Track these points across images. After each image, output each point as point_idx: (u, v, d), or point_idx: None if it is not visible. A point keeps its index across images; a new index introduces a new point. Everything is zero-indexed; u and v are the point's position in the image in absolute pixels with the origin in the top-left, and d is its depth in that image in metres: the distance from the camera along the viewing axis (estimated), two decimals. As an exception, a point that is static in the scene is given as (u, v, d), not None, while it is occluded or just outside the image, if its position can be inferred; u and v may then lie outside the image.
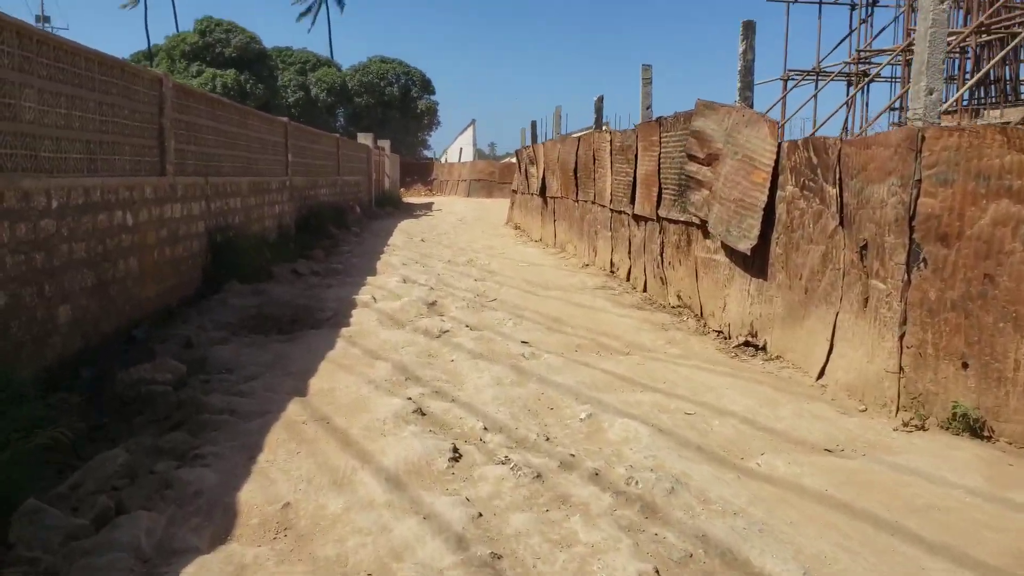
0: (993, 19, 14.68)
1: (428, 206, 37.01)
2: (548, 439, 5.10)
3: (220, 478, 4.38)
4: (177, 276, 9.89)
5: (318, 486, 4.30)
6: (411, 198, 45.20)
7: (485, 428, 5.30)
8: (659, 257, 10.08)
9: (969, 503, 4.19)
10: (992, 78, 15.85)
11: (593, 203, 13.88)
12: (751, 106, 8.14)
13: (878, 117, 15.15)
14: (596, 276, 12.75)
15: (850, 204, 5.93)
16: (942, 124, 5.45)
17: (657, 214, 9.98)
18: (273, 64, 63.70)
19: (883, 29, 17.16)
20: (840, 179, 6.03)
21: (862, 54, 16.54)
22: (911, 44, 14.91)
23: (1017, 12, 14.76)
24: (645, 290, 10.92)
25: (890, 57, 15.55)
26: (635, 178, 11.06)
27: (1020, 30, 14.12)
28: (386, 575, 3.40)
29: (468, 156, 62.19)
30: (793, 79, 17.95)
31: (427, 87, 69.30)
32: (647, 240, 10.69)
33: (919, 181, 5.22)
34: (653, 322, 9.05)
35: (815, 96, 17.16)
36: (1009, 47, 13.97)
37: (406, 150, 63.18)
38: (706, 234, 8.49)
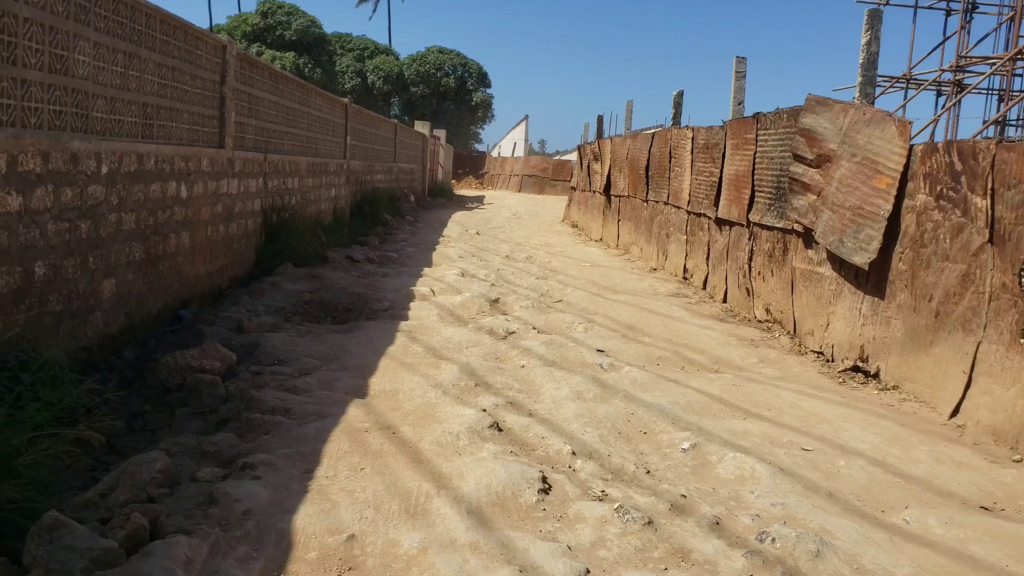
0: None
1: (480, 199, 36.40)
2: (649, 472, 4.38)
3: (272, 495, 3.73)
4: (229, 255, 9.33)
5: (388, 514, 3.62)
6: (462, 190, 44.64)
7: (573, 453, 4.59)
8: (746, 266, 9.29)
9: None
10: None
11: (666, 204, 13.10)
12: (872, 103, 7.33)
13: (983, 129, 14.08)
14: (667, 282, 11.98)
15: (1005, 219, 5.12)
16: None
17: (747, 219, 9.20)
18: (332, 49, 63.60)
19: (984, 37, 16.11)
20: (992, 189, 5.22)
21: (962, 61, 15.41)
22: (1021, 52, 13.91)
23: None
24: (725, 300, 10.14)
25: (995, 66, 14.46)
26: (721, 179, 10.27)
27: None
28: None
29: (519, 152, 61.54)
30: (880, 86, 16.93)
31: (483, 80, 68.73)
32: (731, 246, 9.91)
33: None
34: (739, 337, 8.28)
35: (903, 106, 16.23)
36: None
37: (459, 142, 62.71)
38: (808, 244, 7.69)
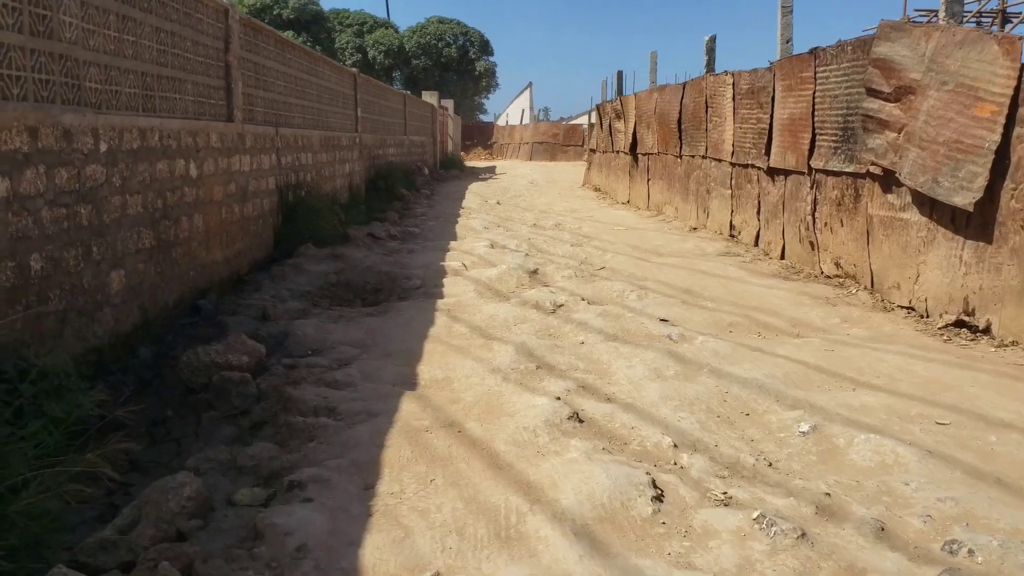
0: None
1: (491, 169, 35.55)
2: (771, 464, 3.67)
3: (330, 522, 3.04)
4: (247, 238, 8.62)
5: (476, 542, 2.92)
6: (472, 161, 43.72)
7: (675, 445, 3.88)
8: (809, 217, 8.52)
9: None
10: None
11: (704, 158, 12.30)
12: (960, 23, 6.52)
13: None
14: (713, 241, 11.21)
15: None
16: None
17: (808, 165, 8.41)
18: (331, 26, 62.54)
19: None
20: None
21: None
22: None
23: None
24: (783, 257, 9.37)
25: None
26: (771, 125, 9.47)
27: None
28: None
29: (527, 119, 60.49)
30: (916, 22, 15.90)
31: (485, 48, 67.59)
32: (788, 198, 9.13)
33: None
34: (811, 295, 7.53)
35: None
36: None
37: (464, 113, 61.72)
38: (888, 188, 6.92)
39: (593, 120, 43.30)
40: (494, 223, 13.96)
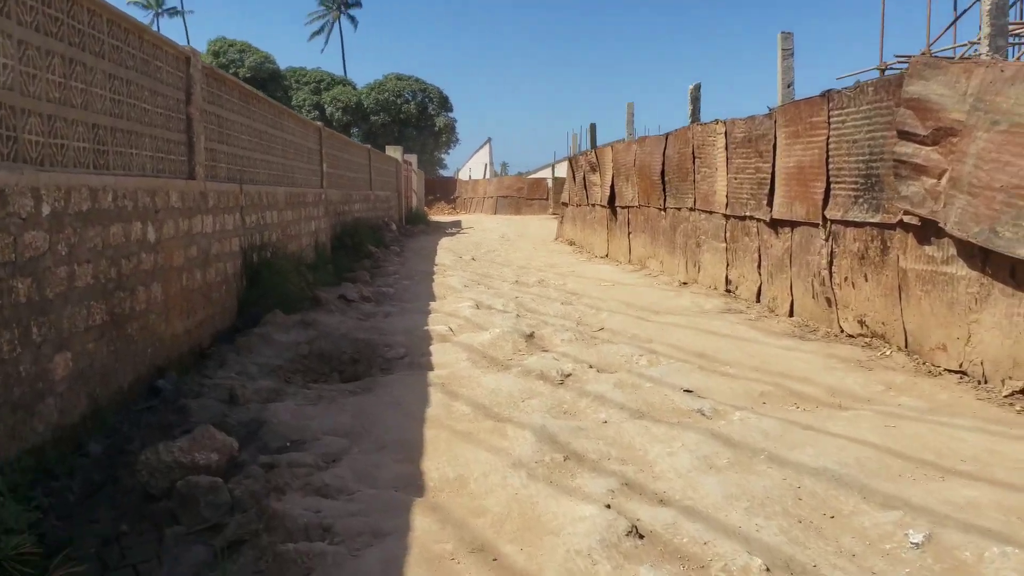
0: None
1: (457, 224, 34.90)
2: (897, 593, 2.92)
3: None
4: (209, 306, 7.78)
5: None
6: (436, 216, 43.09)
7: (767, 569, 3.11)
8: (824, 272, 7.89)
9: None
10: None
11: (693, 210, 11.71)
12: (1006, 58, 6.00)
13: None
14: (708, 297, 10.56)
15: None
16: None
17: (823, 216, 7.80)
18: (287, 84, 62.20)
19: (1016, 2, 14.94)
20: None
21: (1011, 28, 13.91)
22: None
23: None
24: (791, 314, 8.73)
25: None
26: (773, 174, 8.90)
27: None
28: None
29: (485, 174, 60.33)
30: (894, 69, 15.68)
31: (444, 104, 67.74)
32: (797, 251, 8.51)
33: None
34: (839, 357, 6.86)
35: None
36: None
37: (424, 168, 61.42)
38: (926, 239, 6.31)
39: (557, 174, 43.09)
40: (473, 281, 13.22)
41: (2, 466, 4.01)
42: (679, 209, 12.30)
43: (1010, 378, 5.41)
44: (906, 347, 6.70)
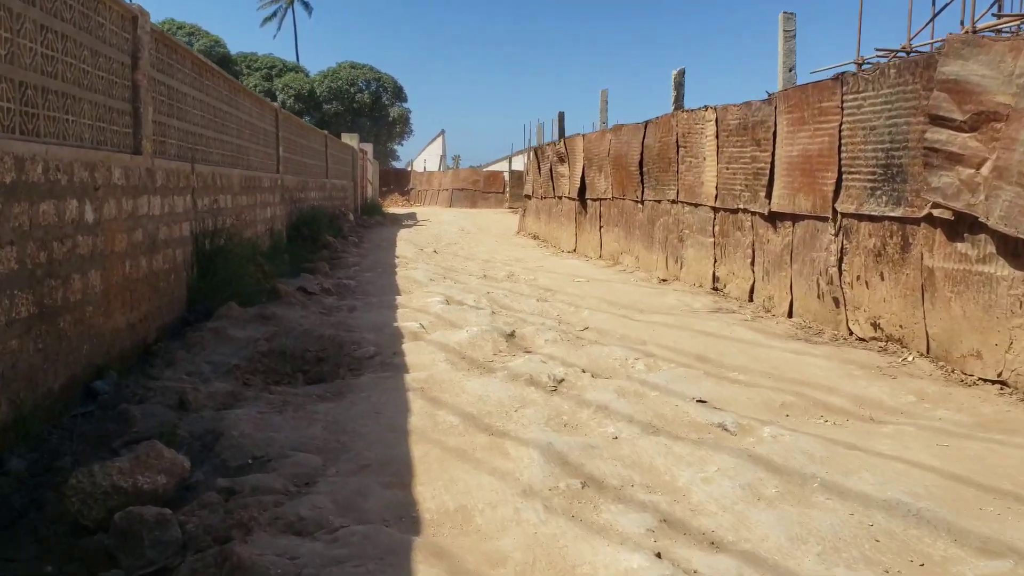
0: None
1: (412, 216, 34.02)
2: None
3: None
4: (156, 297, 6.97)
5: None
6: (391, 208, 42.07)
7: (875, 640, 2.47)
8: (833, 269, 7.32)
9: None
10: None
11: (675, 203, 11.11)
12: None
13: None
14: (694, 295, 9.96)
15: None
16: None
17: (833, 209, 7.23)
18: (238, 69, 60.61)
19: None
20: None
21: (993, 24, 13.66)
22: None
23: None
24: (791, 314, 8.17)
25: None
26: (772, 164, 8.32)
27: None
28: None
29: (436, 166, 59.54)
30: (871, 64, 15.22)
31: (399, 94, 66.76)
32: (799, 246, 7.94)
33: None
34: (856, 363, 6.29)
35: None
36: None
37: (378, 159, 60.44)
38: (957, 235, 5.75)
39: (514, 166, 42.37)
40: (439, 274, 12.48)
41: None
42: (659, 202, 11.70)
43: (1062, 391, 4.87)
44: (928, 352, 6.16)
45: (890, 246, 6.49)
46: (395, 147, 71.03)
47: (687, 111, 10.62)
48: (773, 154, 8.30)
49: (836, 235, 7.23)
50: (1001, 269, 5.35)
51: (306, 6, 77.32)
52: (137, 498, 3.57)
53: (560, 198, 17.21)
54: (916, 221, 6.17)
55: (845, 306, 7.18)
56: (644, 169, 12.16)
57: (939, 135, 5.72)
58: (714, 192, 9.74)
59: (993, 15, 13.61)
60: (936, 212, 5.84)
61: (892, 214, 6.40)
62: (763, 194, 8.54)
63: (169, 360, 6.40)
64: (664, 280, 11.39)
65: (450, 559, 2.95)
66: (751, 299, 9.04)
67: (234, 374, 6.18)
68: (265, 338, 7.33)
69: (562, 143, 16.67)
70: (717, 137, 9.59)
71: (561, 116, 17.74)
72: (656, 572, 2.75)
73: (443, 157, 63.23)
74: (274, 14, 76.58)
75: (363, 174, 31.46)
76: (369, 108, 63.27)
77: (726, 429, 4.77)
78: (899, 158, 6.31)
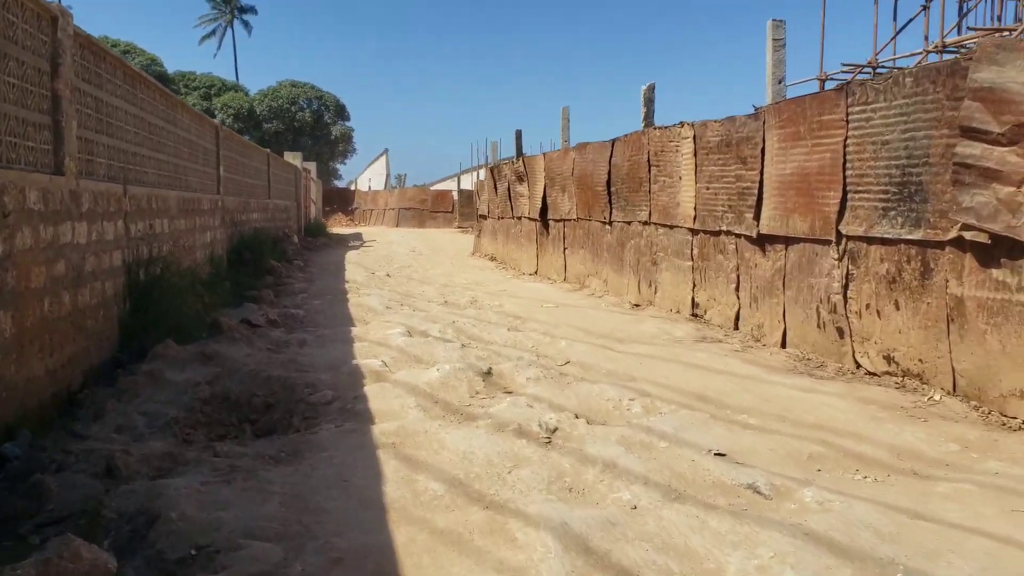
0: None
1: (358, 236, 33.01)
2: None
3: None
4: (82, 338, 6.08)
5: None
6: (335, 228, 40.89)
7: None
8: (837, 297, 6.72)
9: None
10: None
11: (647, 224, 10.49)
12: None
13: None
14: (674, 322, 9.31)
15: None
16: None
17: (836, 231, 6.63)
18: (175, 89, 59.00)
19: (967, 12, 14.34)
20: None
21: (958, 39, 13.35)
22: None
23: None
24: (784, 345, 7.55)
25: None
26: (761, 183, 7.72)
27: None
28: None
29: (379, 186, 58.71)
30: (835, 80, 14.83)
31: (341, 112, 65.82)
32: (794, 271, 7.34)
33: None
34: (876, 403, 5.66)
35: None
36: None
37: (320, 178, 59.33)
38: (991, 260, 5.17)
39: (463, 185, 41.60)
40: (395, 301, 11.66)
41: None
42: (629, 223, 11.06)
43: None
44: (955, 391, 5.56)
45: (907, 272, 5.90)
46: (338, 166, 69.93)
47: (660, 128, 10.02)
48: (762, 172, 7.71)
49: (840, 259, 6.63)
50: (1047, 299, 4.77)
51: (245, 24, 75.99)
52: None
53: (519, 218, 16.51)
54: (940, 245, 5.58)
55: (851, 337, 6.58)
56: (612, 189, 11.53)
57: (972, 149, 5.14)
58: (692, 213, 9.13)
59: (970, 28, 13.42)
60: (968, 235, 5.26)
61: (910, 237, 5.82)
62: (750, 215, 7.93)
63: (97, 411, 5.54)
64: (637, 305, 10.74)
65: None
66: (736, 327, 8.42)
67: (172, 428, 5.33)
68: (207, 381, 6.48)
69: (521, 161, 16.00)
70: (695, 155, 8.98)
71: (518, 134, 17.10)
72: None
73: (387, 176, 62.37)
74: (213, 32, 75.11)
75: (307, 194, 30.45)
76: (311, 127, 62.24)
77: (759, 492, 4.08)
78: (918, 175, 5.73)
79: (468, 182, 41.27)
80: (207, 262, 11.97)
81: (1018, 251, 4.97)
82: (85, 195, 6.15)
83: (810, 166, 6.91)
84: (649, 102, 10.94)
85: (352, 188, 62.35)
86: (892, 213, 5.99)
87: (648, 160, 10.27)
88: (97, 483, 4.21)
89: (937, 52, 12.65)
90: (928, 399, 5.63)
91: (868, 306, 6.34)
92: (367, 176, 66.72)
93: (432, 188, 48.83)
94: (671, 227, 9.78)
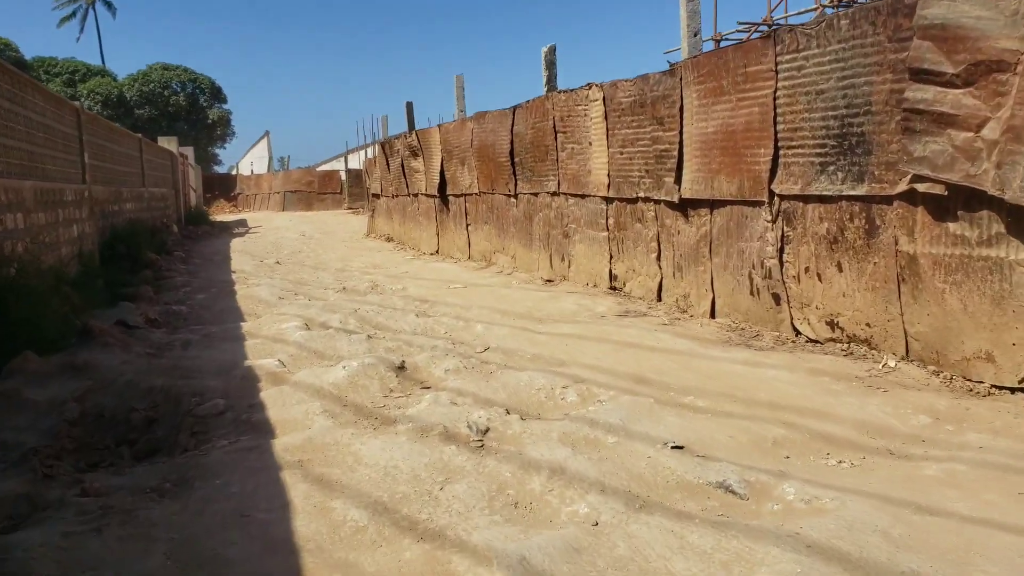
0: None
1: (243, 223, 31.47)
2: None
3: None
4: (-88, 361, 5.10)
5: None
6: (218, 215, 39.02)
7: None
8: (772, 261, 6.27)
9: None
10: None
11: (556, 195, 9.91)
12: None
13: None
14: (593, 297, 8.76)
15: None
16: None
17: (769, 191, 6.17)
18: (35, 75, 55.39)
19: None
20: None
21: None
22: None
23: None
24: (713, 315, 7.11)
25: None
26: (681, 144, 7.22)
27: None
28: None
29: (262, 169, 56.82)
30: (729, 40, 14.52)
31: (218, 95, 63.35)
32: (721, 236, 6.87)
33: None
34: (826, 373, 5.23)
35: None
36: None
37: (199, 164, 56.86)
38: (948, 214, 4.76)
39: (351, 165, 40.28)
40: (288, 290, 10.78)
41: None
42: (536, 194, 10.46)
43: None
44: (907, 355, 5.18)
45: (850, 231, 5.48)
46: (217, 151, 67.31)
47: (565, 91, 9.41)
48: (681, 133, 7.20)
49: (774, 221, 6.18)
50: (1017, 252, 4.38)
51: (109, 6, 71.93)
52: None
53: (416, 196, 15.72)
54: (887, 200, 5.16)
55: (789, 303, 6.15)
56: (516, 159, 10.90)
57: (923, 94, 4.70)
58: (606, 181, 8.58)
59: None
60: (921, 187, 4.84)
61: (852, 193, 5.38)
62: (670, 179, 7.43)
63: (-65, 446, 4.61)
64: (550, 281, 10.17)
65: None
66: (660, 298, 7.95)
67: (31, 462, 4.45)
68: (75, 398, 5.59)
69: (414, 135, 15.17)
70: (606, 118, 8.42)
71: (409, 106, 16.24)
72: None
73: (270, 159, 60.31)
74: (73, 14, 70.77)
75: (185, 180, 28.77)
76: (186, 111, 59.69)
77: (732, 491, 3.55)
78: (859, 126, 5.28)
79: (356, 161, 40.08)
80: (75, 259, 10.81)
81: (977, 202, 4.57)
82: (-94, 188, 5.14)
83: (736, 123, 6.42)
84: (551, 64, 10.32)
85: (234, 173, 60.02)
86: (831, 168, 5.55)
87: (554, 126, 9.67)
88: (-71, 543, 3.36)
89: (833, 6, 12.43)
90: (883, 366, 5.23)
91: (807, 269, 5.91)
92: (249, 160, 64.40)
93: (318, 169, 47.24)
94: (583, 196, 9.22)
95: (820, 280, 5.80)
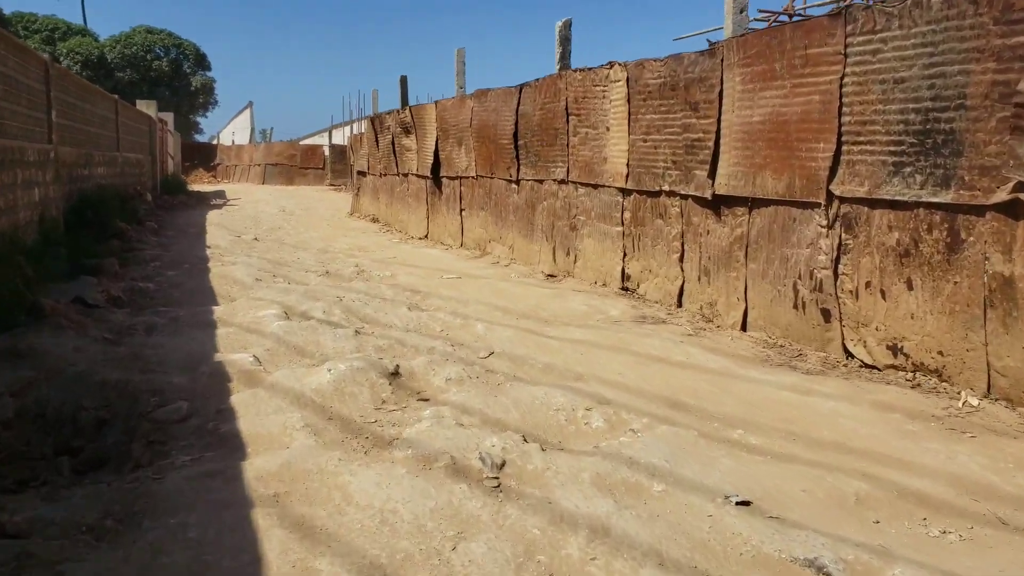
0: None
1: (221, 194, 30.36)
2: None
3: None
4: None
5: None
6: (196, 185, 37.83)
7: None
8: (825, 272, 5.51)
9: None
10: None
11: (564, 183, 9.11)
12: None
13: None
14: (602, 296, 7.98)
15: None
16: None
17: (827, 192, 5.41)
18: (13, 31, 53.77)
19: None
20: None
21: None
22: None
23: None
24: (745, 327, 6.35)
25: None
26: (719, 133, 6.45)
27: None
28: None
29: (243, 140, 55.69)
30: (753, 27, 13.68)
31: (202, 62, 61.94)
32: (761, 240, 6.11)
33: None
34: (895, 408, 4.49)
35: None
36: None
37: (180, 131, 55.55)
38: (1061, 232, 4.02)
39: (335, 140, 39.26)
40: (266, 271, 9.92)
41: None
42: (541, 182, 9.66)
43: None
44: (990, 392, 4.45)
45: (927, 243, 4.73)
46: (198, 119, 65.80)
47: (582, 70, 8.60)
48: (719, 121, 6.42)
49: (830, 226, 5.42)
50: None
51: (92, -39, 70.17)
52: None
53: (406, 175, 14.84)
54: (979, 210, 4.41)
55: (841, 321, 5.40)
56: (520, 142, 10.08)
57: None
58: (624, 171, 7.79)
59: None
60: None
61: (933, 199, 4.63)
62: (702, 172, 6.65)
63: None
64: (552, 276, 9.38)
65: None
66: (680, 304, 7.19)
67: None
68: (12, 392, 4.78)
69: (408, 111, 14.29)
70: (628, 101, 7.62)
71: (403, 80, 15.35)
72: None
73: (252, 130, 59.09)
74: (55, -31, 68.95)
75: (163, 147, 27.67)
76: (168, 77, 58.22)
77: (827, 575, 2.79)
78: (948, 121, 4.53)
79: (340, 137, 39.06)
80: (34, 225, 9.90)
81: (1099, 220, 3.84)
82: None
83: (789, 112, 5.65)
84: (565, 40, 9.50)
85: (214, 143, 58.68)
86: (907, 170, 4.79)
87: (566, 108, 8.86)
88: None
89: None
90: (963, 404, 4.49)
91: (868, 284, 5.16)
92: (230, 130, 63.09)
93: (301, 143, 46.09)
94: (595, 186, 8.43)
95: (884, 298, 5.05)
